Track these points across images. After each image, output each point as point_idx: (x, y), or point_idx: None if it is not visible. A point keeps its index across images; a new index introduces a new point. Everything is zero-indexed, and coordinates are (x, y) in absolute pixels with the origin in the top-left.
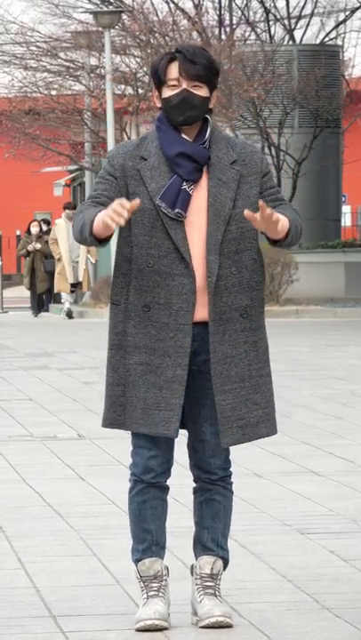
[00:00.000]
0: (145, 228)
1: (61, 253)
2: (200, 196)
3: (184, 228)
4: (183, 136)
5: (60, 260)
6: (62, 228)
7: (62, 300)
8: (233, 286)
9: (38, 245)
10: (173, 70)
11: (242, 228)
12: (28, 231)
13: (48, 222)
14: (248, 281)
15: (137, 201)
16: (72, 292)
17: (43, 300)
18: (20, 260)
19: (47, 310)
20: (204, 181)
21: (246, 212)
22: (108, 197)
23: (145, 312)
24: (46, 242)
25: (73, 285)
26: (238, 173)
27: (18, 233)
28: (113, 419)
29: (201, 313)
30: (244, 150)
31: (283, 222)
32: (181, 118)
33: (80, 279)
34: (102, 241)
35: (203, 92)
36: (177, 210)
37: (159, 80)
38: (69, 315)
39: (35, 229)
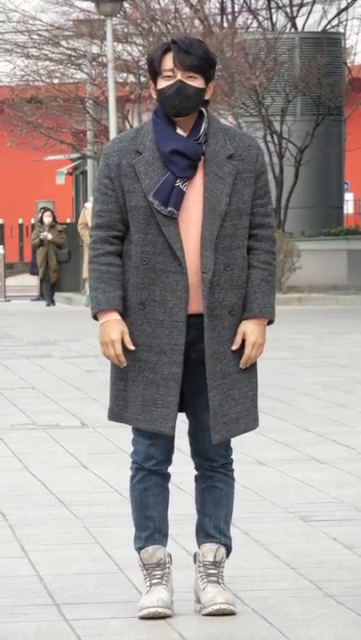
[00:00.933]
0: (140, 225)
1: None
2: (195, 192)
3: (177, 225)
4: (178, 131)
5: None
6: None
7: (84, 291)
8: (225, 283)
9: (50, 236)
10: (168, 61)
11: (235, 225)
12: (41, 220)
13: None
14: (237, 279)
15: (131, 347)
16: None
17: (54, 289)
18: (22, 249)
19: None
20: (199, 176)
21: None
22: (110, 218)
23: (141, 309)
24: (59, 231)
25: None
26: (235, 168)
27: (20, 221)
28: (116, 412)
29: (195, 306)
30: (241, 144)
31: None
32: (175, 109)
33: None
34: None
35: (198, 82)
36: (170, 208)
37: (154, 71)
38: None
39: (47, 219)
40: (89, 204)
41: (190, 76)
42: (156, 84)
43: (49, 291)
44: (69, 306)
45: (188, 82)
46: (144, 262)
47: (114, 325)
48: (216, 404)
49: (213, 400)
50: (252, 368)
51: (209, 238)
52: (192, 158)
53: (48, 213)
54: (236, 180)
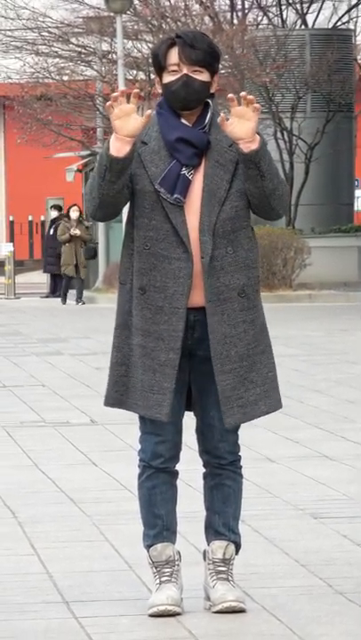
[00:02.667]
0: (144, 210)
1: None
2: (198, 180)
3: (184, 212)
4: (183, 121)
5: None
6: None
7: None
8: (230, 265)
9: (78, 232)
10: (173, 55)
11: (236, 207)
12: (67, 215)
13: (60, 208)
14: (244, 260)
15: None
16: None
17: (83, 286)
18: (32, 246)
19: (59, 296)
20: (202, 165)
21: (221, 117)
22: None
23: (141, 294)
24: (86, 227)
25: None
26: (236, 156)
27: (30, 218)
28: (115, 398)
29: (201, 298)
30: None
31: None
32: (182, 103)
33: None
34: (121, 160)
35: (203, 76)
36: (176, 195)
37: (159, 66)
38: None
39: (75, 214)
40: None
41: (196, 70)
42: (161, 78)
43: (80, 288)
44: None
45: (194, 76)
46: (146, 247)
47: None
48: (228, 388)
49: (223, 384)
50: (268, 349)
51: (207, 224)
52: (198, 146)
53: (75, 208)
54: (237, 166)
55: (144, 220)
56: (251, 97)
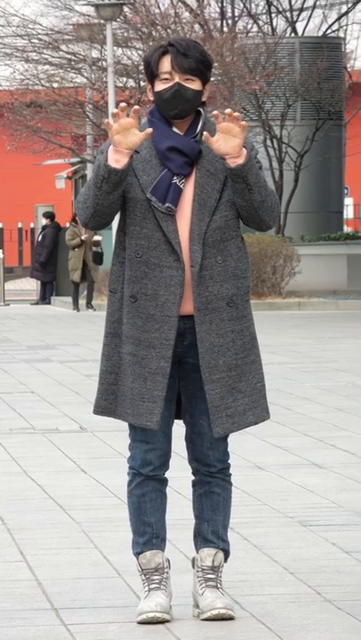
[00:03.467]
0: (136, 218)
1: None
2: (189, 189)
3: (175, 221)
4: (174, 129)
5: None
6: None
7: None
8: (218, 275)
9: (87, 235)
10: (166, 64)
11: (226, 216)
12: (74, 220)
13: (52, 216)
14: (233, 269)
15: (136, 107)
16: None
17: (92, 289)
18: (22, 253)
19: (49, 302)
20: (193, 174)
21: (205, 134)
22: None
23: (132, 302)
24: (94, 232)
25: None
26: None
27: (20, 225)
28: (104, 406)
29: (191, 305)
30: None
31: (241, 131)
32: (174, 112)
33: None
34: (120, 172)
35: (195, 85)
36: (167, 204)
37: (151, 73)
38: None
39: None
40: None
41: (188, 79)
42: (153, 85)
43: (91, 292)
44: (68, 310)
45: (186, 84)
46: (138, 255)
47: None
48: (216, 397)
49: (212, 394)
50: (257, 359)
51: (197, 232)
52: (189, 155)
53: None
54: (227, 176)
55: (135, 228)
56: (237, 114)
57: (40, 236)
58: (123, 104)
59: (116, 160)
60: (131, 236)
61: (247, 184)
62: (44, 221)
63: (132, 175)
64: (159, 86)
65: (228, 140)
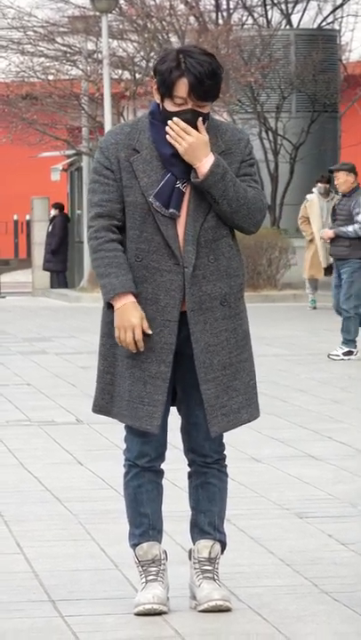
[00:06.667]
0: (135, 222)
1: (314, 234)
2: (187, 192)
3: (176, 225)
4: None
5: (312, 241)
6: (315, 205)
7: (307, 290)
8: (211, 274)
9: None
10: (182, 88)
11: (218, 215)
12: None
13: (61, 207)
14: (226, 268)
15: (149, 332)
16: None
17: None
18: (17, 245)
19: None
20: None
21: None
22: (112, 208)
23: None
24: None
25: (325, 270)
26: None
27: (15, 217)
28: (102, 405)
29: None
30: (232, 138)
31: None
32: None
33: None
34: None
35: (207, 108)
36: (171, 210)
37: (165, 91)
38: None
39: None
40: (312, 196)
41: (202, 105)
42: (163, 99)
43: None
44: (64, 302)
45: (199, 110)
46: (138, 259)
47: (132, 309)
48: (212, 396)
49: (208, 393)
50: (250, 357)
51: (192, 234)
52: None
53: None
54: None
55: (135, 232)
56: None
57: (50, 227)
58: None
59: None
60: (131, 241)
61: (212, 196)
62: (53, 212)
63: (133, 177)
64: (171, 107)
65: (190, 150)
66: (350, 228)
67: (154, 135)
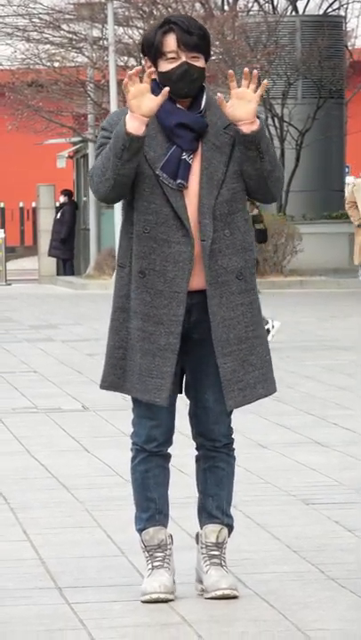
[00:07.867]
0: (143, 193)
1: None
2: (196, 163)
3: (184, 196)
4: (178, 106)
5: (360, 226)
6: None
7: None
8: (227, 248)
9: None
10: (171, 42)
11: (233, 189)
12: None
13: (70, 193)
14: (241, 242)
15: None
16: None
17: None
18: (23, 233)
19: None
20: (199, 148)
21: (219, 97)
22: None
23: (140, 278)
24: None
25: None
26: (232, 138)
27: (21, 205)
28: (112, 381)
29: (199, 281)
30: None
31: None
32: (184, 91)
33: None
34: (141, 138)
35: (200, 62)
36: (179, 181)
37: (156, 52)
38: None
39: None
40: (359, 181)
41: (194, 57)
42: (156, 65)
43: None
44: (70, 290)
45: (193, 63)
46: (146, 231)
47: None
48: (228, 370)
49: (225, 367)
50: (263, 333)
51: (207, 206)
52: (198, 131)
53: None
54: (233, 149)
55: (143, 203)
56: (255, 71)
57: (59, 214)
58: (137, 67)
59: (136, 128)
60: (139, 212)
61: (259, 151)
62: (62, 199)
63: None
64: (166, 66)
65: (242, 105)
66: None
67: (157, 110)
